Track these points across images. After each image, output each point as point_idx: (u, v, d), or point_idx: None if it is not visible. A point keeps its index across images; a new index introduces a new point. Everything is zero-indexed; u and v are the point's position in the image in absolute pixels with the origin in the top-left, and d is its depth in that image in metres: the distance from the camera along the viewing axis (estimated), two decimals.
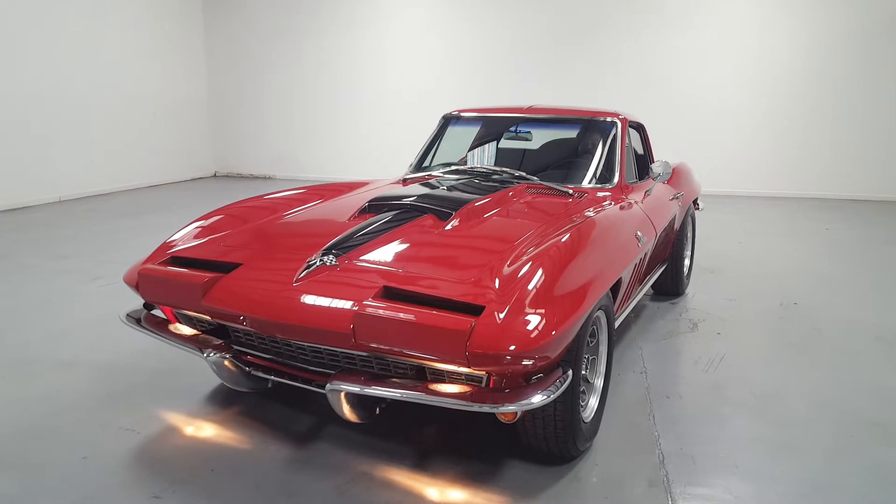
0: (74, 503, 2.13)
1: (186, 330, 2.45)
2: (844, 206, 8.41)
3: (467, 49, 9.78)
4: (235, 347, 2.36)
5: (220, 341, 2.32)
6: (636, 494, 2.22)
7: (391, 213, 2.72)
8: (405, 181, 3.58)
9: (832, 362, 3.38)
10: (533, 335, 1.90)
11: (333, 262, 2.26)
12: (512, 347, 1.88)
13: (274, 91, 10.68)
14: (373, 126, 10.20)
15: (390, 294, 2.05)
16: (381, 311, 1.93)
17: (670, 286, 4.35)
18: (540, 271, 2.10)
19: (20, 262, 5.22)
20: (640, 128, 4.12)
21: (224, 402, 2.85)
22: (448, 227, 2.60)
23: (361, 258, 2.30)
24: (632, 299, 3.24)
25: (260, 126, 10.85)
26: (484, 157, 3.76)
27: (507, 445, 2.48)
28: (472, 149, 3.93)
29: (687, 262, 4.60)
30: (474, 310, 1.95)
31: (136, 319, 2.54)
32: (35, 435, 2.55)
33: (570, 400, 2.18)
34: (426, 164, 3.89)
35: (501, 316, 1.92)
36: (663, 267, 4.06)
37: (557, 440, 2.25)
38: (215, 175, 11.10)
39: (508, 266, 2.16)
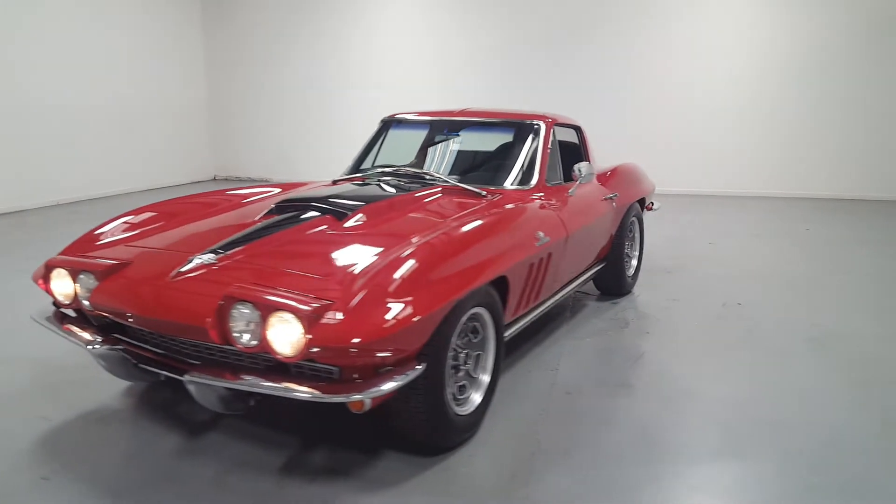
0: None
1: (85, 328, 2.57)
2: (834, 205, 8.30)
3: (463, 51, 9.87)
4: (127, 340, 2.48)
5: (106, 335, 2.45)
6: (495, 484, 2.30)
7: (292, 213, 2.84)
8: (335, 182, 3.71)
9: (753, 363, 3.39)
10: (376, 328, 2.00)
11: (212, 260, 2.38)
12: (356, 340, 1.98)
13: (272, 94, 10.90)
14: (369, 129, 10.29)
15: None
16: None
17: (613, 286, 4.39)
18: (400, 267, 2.18)
19: None
20: (577, 129, 4.17)
21: (142, 394, 2.98)
22: (341, 226, 2.70)
23: (239, 257, 2.41)
24: (545, 300, 3.28)
25: (258, 129, 11.09)
26: (413, 159, 3.86)
27: (393, 437, 2.55)
28: (416, 151, 4.04)
29: (634, 262, 4.63)
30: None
31: (46, 318, 2.69)
32: None
33: (433, 392, 2.27)
34: (364, 166, 3.99)
35: (345, 310, 2.00)
36: (598, 267, 4.10)
37: (425, 431, 2.34)
38: (214, 178, 11.37)
39: (371, 263, 2.25)
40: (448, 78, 9.98)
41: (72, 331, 2.54)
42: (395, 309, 2.06)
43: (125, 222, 3.05)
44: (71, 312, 2.72)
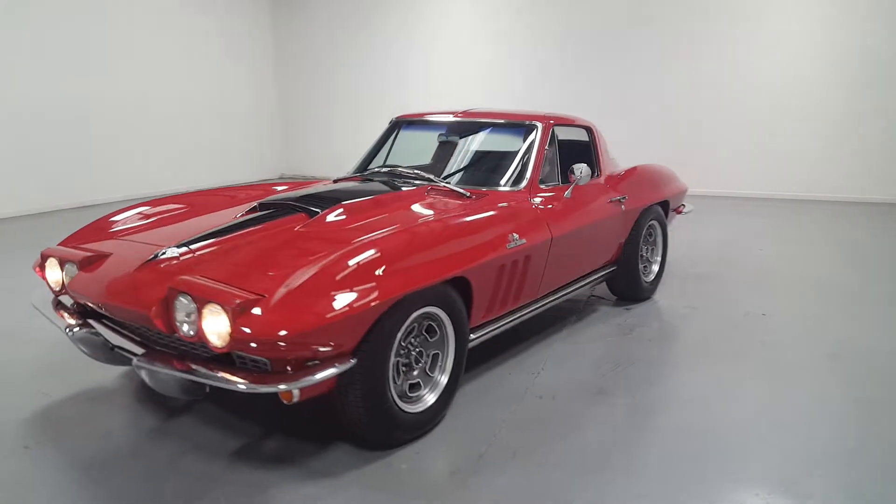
0: None
1: (74, 315, 2.77)
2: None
3: (523, 55, 9.84)
4: (111, 326, 2.67)
5: (85, 321, 2.64)
6: (431, 483, 2.30)
7: (269, 211, 2.95)
8: (335, 181, 3.81)
9: (755, 377, 3.17)
10: (304, 322, 2.05)
11: (174, 254, 2.52)
12: (282, 333, 2.03)
13: (336, 96, 11.28)
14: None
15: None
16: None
17: (627, 292, 4.25)
18: (339, 264, 2.22)
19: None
20: (588, 130, 4.07)
21: (136, 377, 3.20)
22: (311, 224, 2.77)
23: (200, 252, 2.53)
24: (529, 304, 3.23)
25: (322, 130, 11.50)
26: (415, 160, 3.90)
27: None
28: (421, 151, 4.09)
29: (654, 267, 4.45)
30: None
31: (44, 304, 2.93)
32: None
33: (373, 388, 2.29)
34: (372, 166, 4.07)
35: (271, 304, 2.06)
36: (605, 272, 3.97)
37: (365, 427, 2.37)
38: (281, 177, 11.86)
39: (314, 259, 2.30)
40: (506, 82, 9.98)
41: (62, 316, 2.74)
42: (325, 304, 2.10)
43: (139, 213, 3.30)
44: (67, 300, 2.94)
